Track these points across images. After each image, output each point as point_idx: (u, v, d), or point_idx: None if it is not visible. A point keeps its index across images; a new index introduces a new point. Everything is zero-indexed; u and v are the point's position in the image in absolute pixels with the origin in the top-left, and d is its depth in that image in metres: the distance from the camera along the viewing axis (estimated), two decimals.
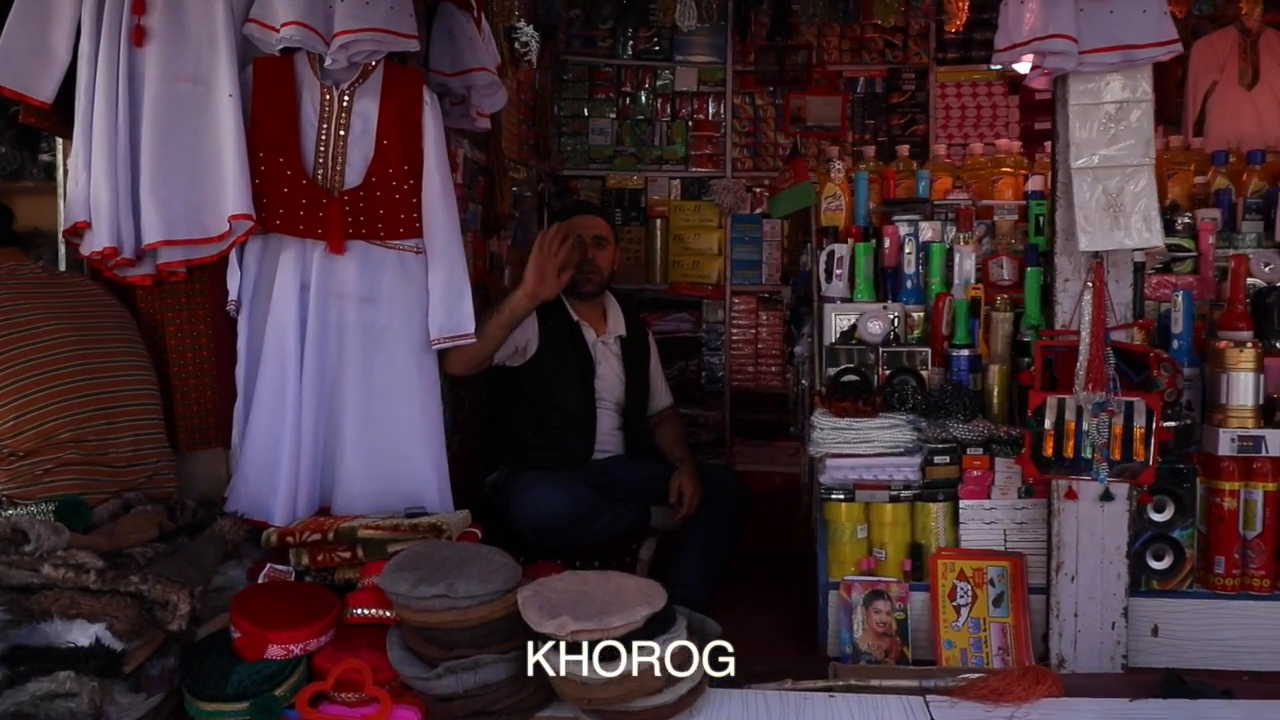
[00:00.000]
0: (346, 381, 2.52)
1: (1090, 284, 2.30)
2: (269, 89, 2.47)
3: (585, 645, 1.79)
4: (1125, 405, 2.27)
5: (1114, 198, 2.25)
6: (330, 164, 2.49)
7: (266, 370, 2.47)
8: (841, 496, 2.52)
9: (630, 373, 3.01)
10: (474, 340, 2.54)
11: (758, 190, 4.27)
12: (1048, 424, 2.32)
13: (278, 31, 2.41)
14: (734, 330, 4.32)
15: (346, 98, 2.49)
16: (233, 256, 2.47)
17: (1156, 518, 2.40)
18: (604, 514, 2.74)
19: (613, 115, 4.26)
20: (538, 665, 1.84)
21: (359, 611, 2.06)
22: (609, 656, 1.79)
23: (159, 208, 2.40)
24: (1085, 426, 2.30)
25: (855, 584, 2.48)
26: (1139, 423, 2.27)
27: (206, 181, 2.44)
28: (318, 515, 2.40)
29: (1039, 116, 4.10)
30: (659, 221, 4.21)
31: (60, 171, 2.65)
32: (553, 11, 3.92)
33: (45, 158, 4.43)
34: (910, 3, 2.68)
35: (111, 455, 2.27)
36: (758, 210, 4.22)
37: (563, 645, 1.80)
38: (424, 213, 2.53)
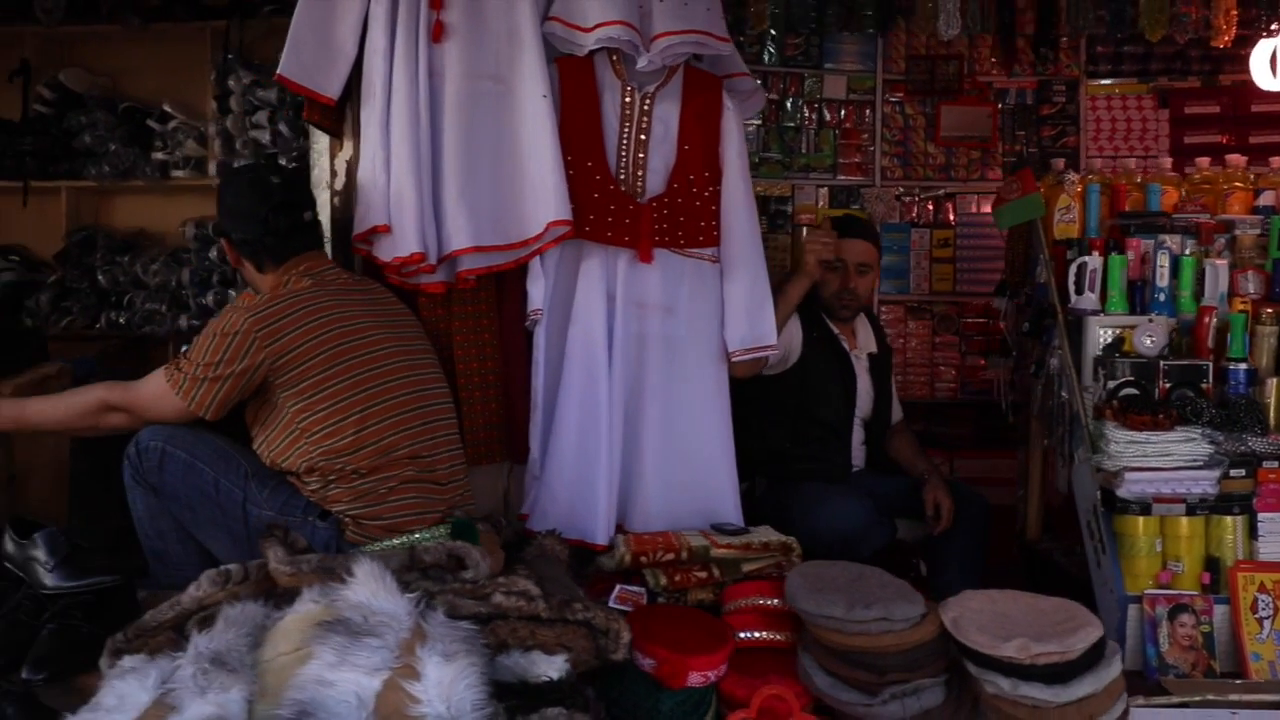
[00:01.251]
0: (646, 394, 2.45)
1: None
2: (574, 90, 2.39)
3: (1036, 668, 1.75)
4: None
5: None
6: (631, 169, 2.42)
7: (574, 382, 2.38)
8: (1138, 510, 2.52)
9: (879, 388, 2.99)
10: (777, 351, 2.49)
11: (906, 199, 4.28)
12: None
13: (589, 31, 2.33)
14: None
15: (648, 101, 2.42)
16: (536, 264, 2.39)
17: None
18: (879, 527, 2.70)
19: (759, 122, 4.22)
20: (973, 689, 1.80)
21: (746, 635, 1.99)
22: (1067, 679, 1.75)
23: (467, 212, 2.30)
24: None
25: (1159, 598, 2.49)
26: None
27: (510, 185, 2.35)
28: (645, 534, 2.31)
29: (1188, 130, 4.20)
30: (804, 230, 4.19)
31: (329, 173, 2.51)
32: None
33: (159, 155, 4.27)
34: (1179, 18, 2.70)
35: (439, 472, 2.17)
36: (906, 219, 4.24)
37: (1014, 669, 1.76)
38: (724, 219, 2.48)
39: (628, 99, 2.42)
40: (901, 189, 4.29)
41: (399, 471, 2.08)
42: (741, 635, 1.99)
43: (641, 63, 2.36)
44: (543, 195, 2.30)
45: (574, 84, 2.38)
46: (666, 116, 2.43)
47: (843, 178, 4.28)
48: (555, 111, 2.33)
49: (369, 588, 1.51)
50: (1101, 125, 4.20)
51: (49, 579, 1.93)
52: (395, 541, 1.92)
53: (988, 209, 4.39)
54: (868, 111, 4.31)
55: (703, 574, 2.13)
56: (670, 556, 2.13)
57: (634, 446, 2.44)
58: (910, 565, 2.77)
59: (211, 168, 4.21)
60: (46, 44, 4.27)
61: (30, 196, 4.20)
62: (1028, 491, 3.34)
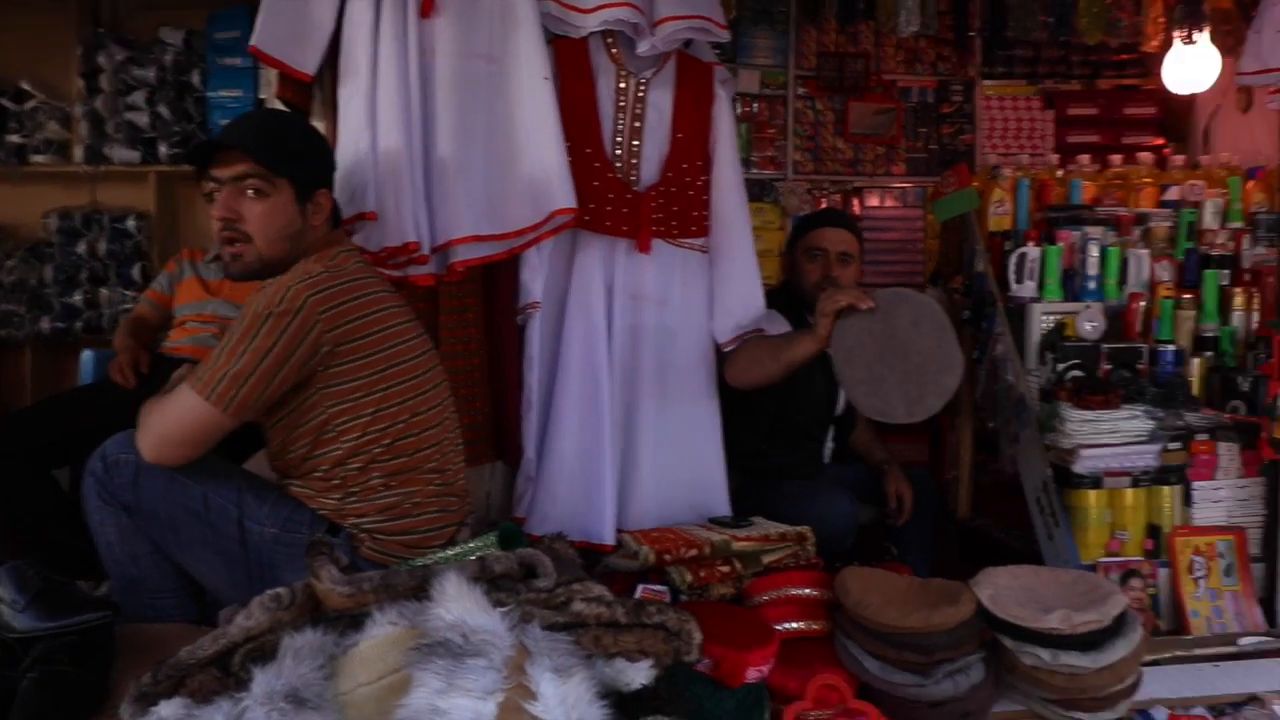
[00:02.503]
0: (642, 389, 2.40)
1: None
2: (571, 73, 2.30)
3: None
4: None
5: None
6: (627, 157, 2.36)
7: (573, 379, 2.30)
8: (1090, 484, 2.69)
9: None
10: (765, 334, 2.48)
11: (817, 193, 4.39)
12: None
13: (590, 13, 2.26)
14: None
15: (643, 87, 2.36)
16: (533, 255, 2.29)
17: None
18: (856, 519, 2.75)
19: None
20: (1014, 660, 1.87)
21: (783, 626, 1.99)
22: (1101, 645, 1.85)
23: (464, 199, 2.18)
24: None
25: (1111, 565, 2.66)
26: None
27: (506, 171, 2.24)
28: (654, 531, 2.26)
29: (1072, 131, 4.51)
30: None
31: None
32: None
33: (15, 139, 3.83)
34: (1114, 23, 2.89)
35: (456, 484, 2.04)
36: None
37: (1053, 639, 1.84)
38: (715, 209, 2.45)
39: (622, 84, 2.35)
40: (811, 183, 4.40)
41: (423, 486, 1.92)
42: (779, 627, 1.98)
43: (643, 47, 2.30)
44: (545, 182, 2.20)
45: (570, 67, 2.29)
46: (661, 103, 2.38)
47: (756, 171, 4.34)
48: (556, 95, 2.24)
49: (461, 604, 1.40)
50: (995, 124, 4.46)
51: (21, 621, 1.66)
52: (447, 553, 1.79)
53: (892, 203, 4.58)
54: (780, 106, 4.39)
55: (725, 569, 2.11)
56: (694, 553, 2.09)
57: (631, 443, 2.38)
58: (884, 549, 2.84)
59: (79, 153, 3.80)
60: None
61: None
62: (960, 472, 3.49)
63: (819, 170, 4.40)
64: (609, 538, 2.24)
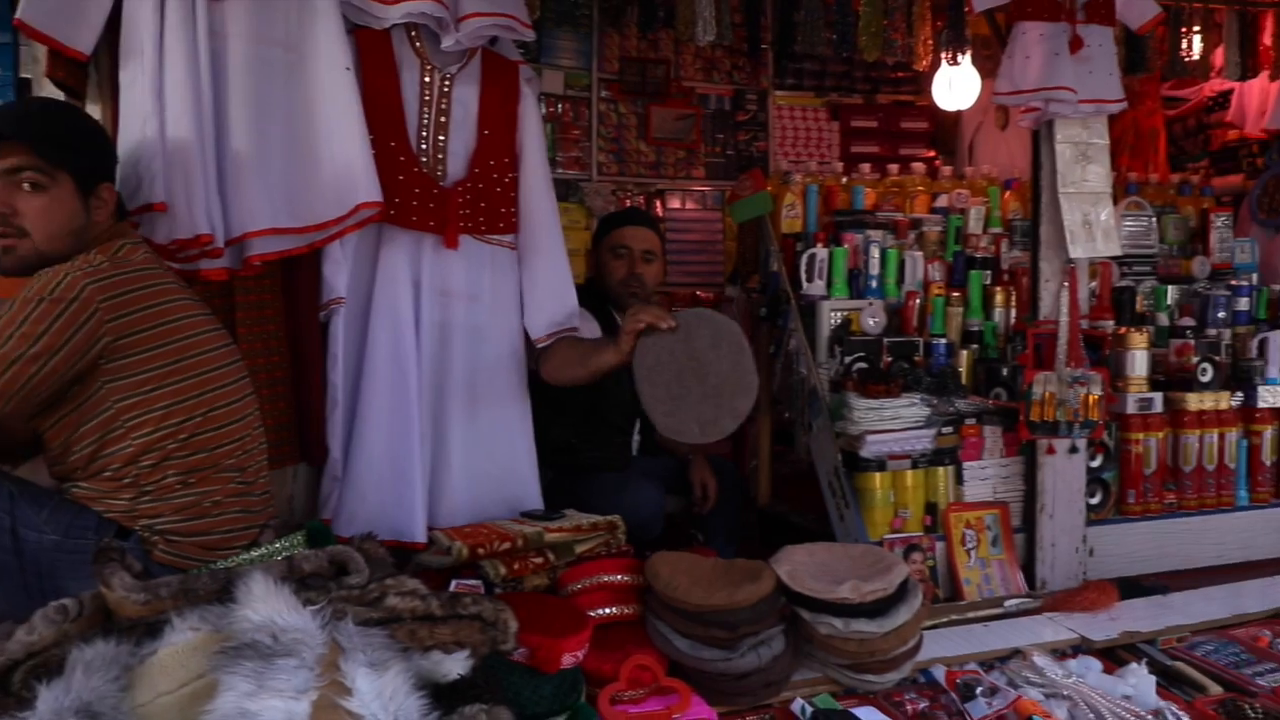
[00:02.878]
0: (452, 385, 2.38)
1: (1066, 284, 2.93)
2: (374, 65, 2.26)
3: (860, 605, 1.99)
4: (1089, 378, 2.94)
5: (1087, 216, 2.89)
6: (433, 152, 2.34)
7: (380, 376, 2.26)
8: (876, 467, 2.91)
9: None
10: (579, 333, 2.52)
11: (621, 194, 4.48)
12: (1037, 395, 2.91)
13: (393, 4, 2.22)
14: None
15: (448, 82, 2.35)
16: (336, 249, 2.23)
17: (1092, 465, 3.11)
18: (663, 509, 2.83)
19: None
20: (810, 630, 2.00)
21: (596, 613, 2.04)
22: (887, 611, 2.01)
23: (261, 190, 2.10)
24: (1063, 396, 2.93)
25: (895, 541, 2.89)
26: (1096, 391, 2.94)
27: (306, 163, 2.18)
28: (468, 527, 2.25)
29: (855, 141, 4.83)
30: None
31: None
32: None
33: None
34: (890, 43, 3.13)
35: (258, 483, 1.96)
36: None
37: (845, 609, 1.98)
38: (524, 206, 2.47)
39: (427, 79, 2.33)
40: (616, 184, 4.49)
41: (223, 485, 1.84)
42: (592, 614, 2.03)
43: (447, 42, 2.28)
44: (348, 175, 2.15)
45: (373, 59, 2.25)
46: (466, 99, 2.37)
47: (562, 171, 4.39)
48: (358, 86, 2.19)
49: (269, 604, 1.36)
50: (786, 132, 4.71)
51: None
52: (251, 555, 1.72)
53: (693, 205, 4.75)
54: (584, 108, 4.46)
55: (539, 560, 2.14)
56: (507, 546, 2.10)
57: (441, 439, 2.36)
58: (690, 536, 2.95)
59: None
60: None
61: None
62: (759, 462, 3.67)
63: (623, 172, 4.50)
64: (420, 535, 2.22)
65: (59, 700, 1.24)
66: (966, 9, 2.99)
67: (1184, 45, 3.42)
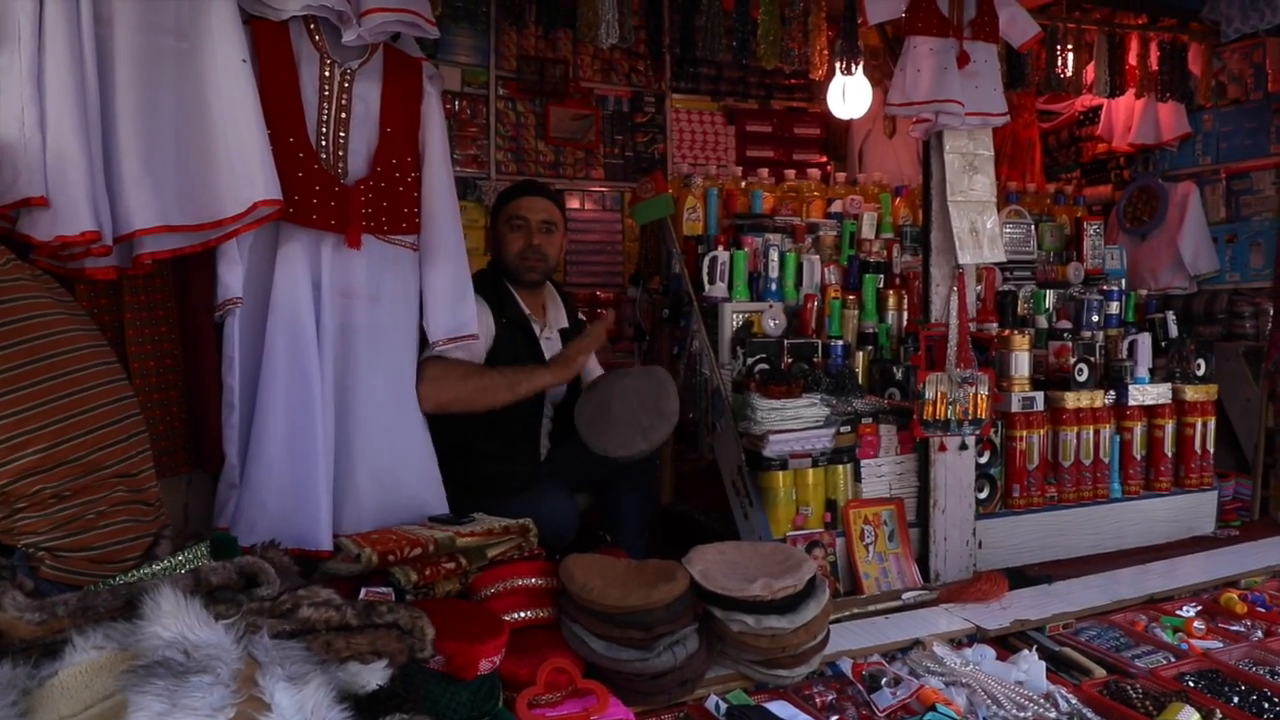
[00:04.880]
0: (355, 389, 2.31)
1: (955, 288, 3.05)
2: (270, 57, 2.18)
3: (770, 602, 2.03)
4: (977, 378, 3.07)
5: (974, 224, 3.02)
6: (333, 149, 2.27)
7: (279, 379, 2.18)
8: (779, 465, 2.97)
9: None
10: (477, 339, 2.49)
11: None
12: (929, 395, 3.03)
13: None
14: None
15: (348, 78, 2.29)
16: (231, 248, 2.14)
17: (980, 461, 3.25)
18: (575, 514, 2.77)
19: None
20: (723, 628, 2.03)
21: (511, 616, 2.01)
22: (797, 607, 2.05)
23: (151, 186, 2.00)
24: (953, 396, 3.05)
25: (798, 538, 2.95)
26: (983, 391, 3.08)
27: (199, 157, 2.09)
28: (376, 533, 2.19)
29: (750, 146, 4.91)
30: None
31: None
32: None
33: None
34: (787, 52, 3.19)
35: (148, 491, 1.87)
36: None
37: (757, 606, 2.02)
38: (426, 207, 2.42)
39: (327, 73, 2.26)
40: (513, 183, 4.44)
41: (107, 493, 1.74)
42: (507, 618, 2.00)
43: (349, 36, 2.22)
44: (245, 171, 2.06)
45: (270, 51, 2.16)
46: (367, 95, 2.31)
47: (459, 169, 4.33)
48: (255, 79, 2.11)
49: (179, 620, 1.30)
50: (684, 135, 4.76)
51: None
52: (153, 568, 1.63)
53: (592, 205, 4.75)
54: (482, 106, 4.40)
55: (450, 565, 2.10)
56: (418, 552, 2.06)
57: (345, 444, 2.29)
58: (599, 538, 2.93)
59: None
60: None
61: None
62: (662, 461, 3.69)
63: (521, 170, 4.46)
64: (326, 543, 2.14)
65: None
66: (860, 21, 3.08)
67: (1059, 63, 3.61)
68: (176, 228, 2.04)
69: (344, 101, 2.29)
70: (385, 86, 2.35)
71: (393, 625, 1.61)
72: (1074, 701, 2.10)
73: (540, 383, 2.59)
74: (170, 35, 2.05)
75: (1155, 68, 3.82)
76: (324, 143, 2.25)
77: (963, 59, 2.95)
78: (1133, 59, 3.79)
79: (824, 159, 4.98)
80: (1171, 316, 3.75)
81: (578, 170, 4.62)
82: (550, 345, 2.87)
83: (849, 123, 4.93)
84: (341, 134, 2.28)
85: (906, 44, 2.98)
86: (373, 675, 1.51)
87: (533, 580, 2.09)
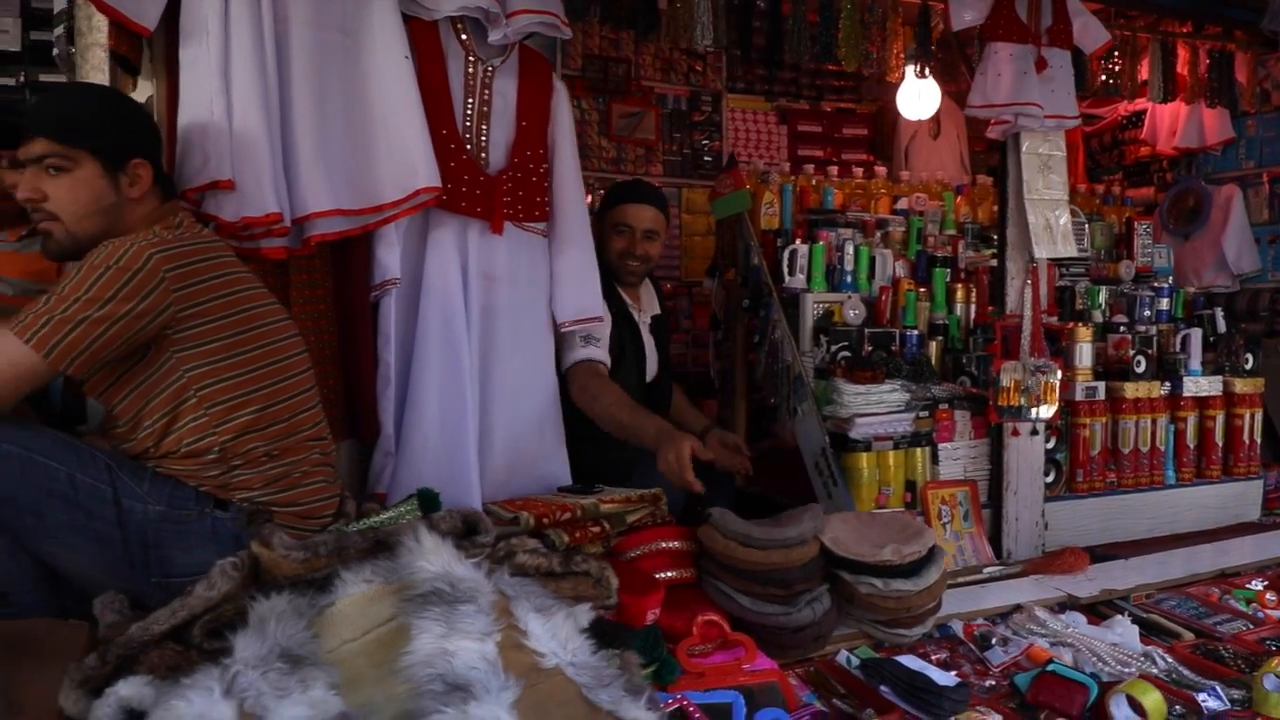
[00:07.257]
0: (496, 367, 2.46)
1: (1030, 281, 3.22)
2: (425, 54, 2.33)
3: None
4: (1049, 367, 3.23)
5: (1048, 221, 3.19)
6: (476, 140, 2.42)
7: (432, 356, 2.32)
8: (864, 448, 3.12)
9: (660, 350, 3.17)
10: (601, 321, 2.63)
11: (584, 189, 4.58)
12: (1004, 382, 3.19)
13: None
14: None
15: (490, 74, 2.44)
16: (390, 232, 2.29)
17: (1047, 447, 3.41)
18: None
19: None
20: (851, 589, 2.19)
21: (660, 575, 2.16)
22: (920, 571, 2.21)
23: (325, 172, 2.15)
24: (1026, 383, 3.21)
25: None
26: (1053, 379, 3.24)
27: (364, 146, 2.23)
28: (522, 499, 2.34)
29: (802, 145, 5.07)
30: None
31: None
32: None
33: None
34: (866, 55, 3.35)
35: (331, 454, 2.01)
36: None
37: (885, 570, 2.17)
38: (556, 197, 2.57)
39: (471, 70, 2.40)
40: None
41: (306, 455, 1.88)
42: (657, 576, 2.15)
43: (495, 36, 2.37)
44: (406, 159, 2.21)
45: (423, 48, 2.31)
46: (506, 91, 2.46)
47: None
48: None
49: (440, 557, 1.44)
50: (739, 134, 4.92)
51: None
52: (382, 517, 1.77)
53: None
54: None
55: (596, 529, 2.24)
56: (568, 516, 2.20)
57: (486, 418, 2.44)
58: (702, 515, 3.08)
59: None
60: None
61: None
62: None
63: (586, 167, 4.55)
64: (477, 507, 2.29)
65: (258, 647, 1.29)
66: (940, 25, 3.24)
67: (1117, 69, 3.79)
68: (345, 211, 2.19)
69: (486, 96, 2.43)
70: (521, 83, 2.49)
71: (586, 574, 1.76)
72: (1170, 660, 2.26)
73: (645, 443, 2.50)
74: (338, 32, 2.20)
75: (1204, 74, 4.00)
76: (469, 135, 2.40)
77: (1041, 64, 3.11)
78: (1182, 67, 3.97)
79: (870, 158, 5.15)
80: (1220, 312, 3.92)
81: (638, 166, 4.77)
82: (645, 331, 3.08)
83: (894, 123, 5.11)
84: (484, 127, 2.43)
85: (988, 49, 3.14)
86: (582, 616, 1.65)
87: (675, 543, 2.24)
